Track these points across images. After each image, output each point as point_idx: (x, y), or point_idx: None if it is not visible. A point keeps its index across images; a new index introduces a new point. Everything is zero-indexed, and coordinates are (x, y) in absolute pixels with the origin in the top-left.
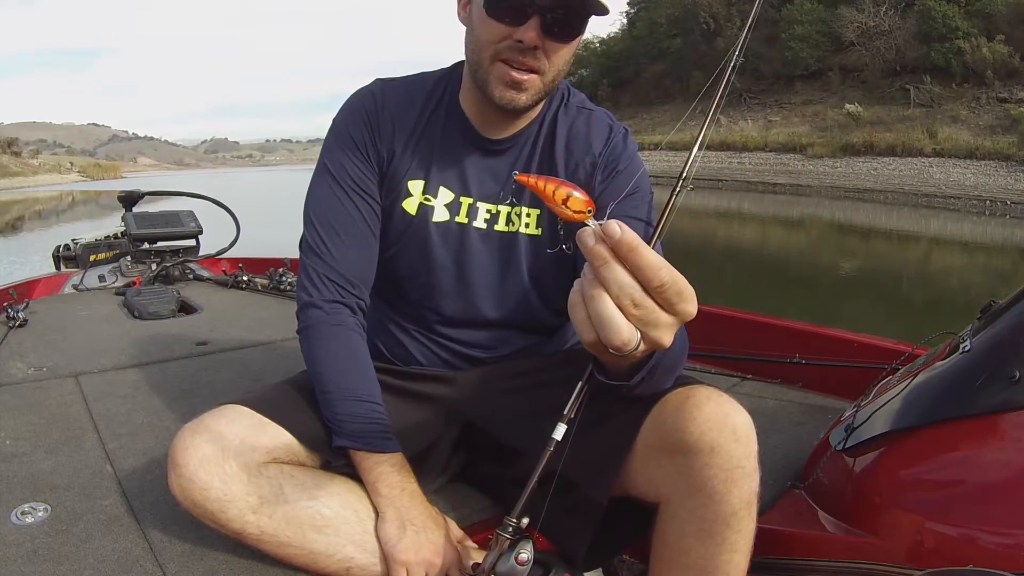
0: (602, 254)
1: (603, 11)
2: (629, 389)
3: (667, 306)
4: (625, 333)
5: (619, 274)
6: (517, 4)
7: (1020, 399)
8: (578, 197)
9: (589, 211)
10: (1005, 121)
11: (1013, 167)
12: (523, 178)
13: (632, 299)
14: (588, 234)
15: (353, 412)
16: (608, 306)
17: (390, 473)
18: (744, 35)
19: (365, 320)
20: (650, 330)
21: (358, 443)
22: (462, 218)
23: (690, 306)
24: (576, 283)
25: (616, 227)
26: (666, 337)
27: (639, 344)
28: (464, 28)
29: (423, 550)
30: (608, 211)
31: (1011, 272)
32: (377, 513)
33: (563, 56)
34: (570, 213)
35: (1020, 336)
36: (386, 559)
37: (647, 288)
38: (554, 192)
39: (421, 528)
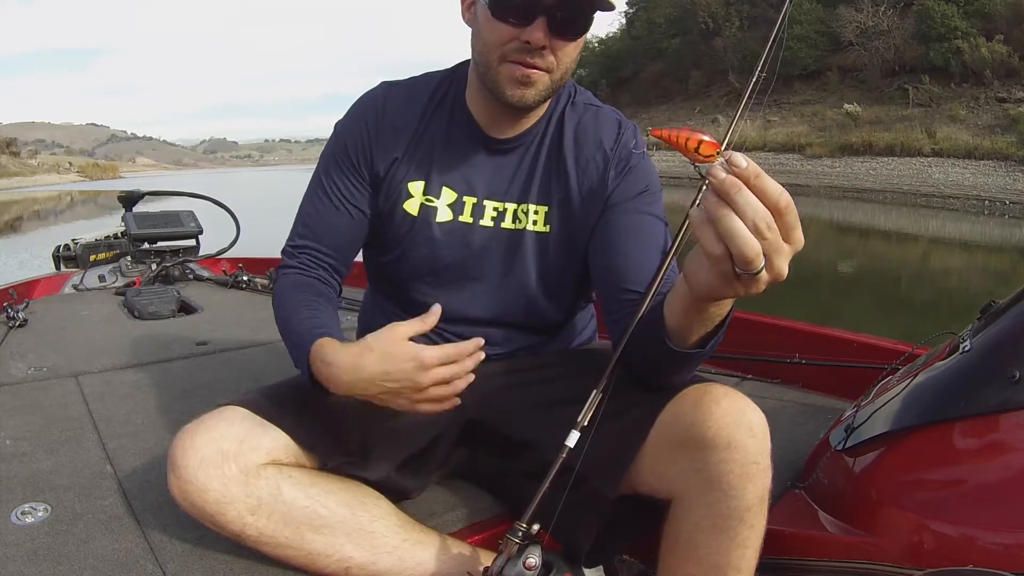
0: (736, 182)
1: (609, 7)
2: (691, 358)
3: (786, 232)
4: (757, 246)
5: (752, 199)
6: (523, 4)
7: (1020, 399)
8: (708, 141)
9: (718, 152)
10: (1004, 121)
11: (1012, 167)
12: (657, 132)
13: (766, 222)
14: (718, 168)
15: (294, 341)
16: (739, 222)
17: (326, 346)
18: (771, 43)
19: (337, 280)
20: (775, 257)
21: (305, 369)
22: (466, 217)
23: (801, 234)
24: (695, 210)
25: (742, 158)
26: (785, 266)
27: (763, 268)
28: (469, 29)
29: (380, 344)
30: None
31: (1011, 272)
32: (377, 513)
33: (570, 54)
34: (701, 158)
35: (1020, 336)
36: (362, 389)
37: (773, 211)
38: (686, 142)
39: (364, 344)
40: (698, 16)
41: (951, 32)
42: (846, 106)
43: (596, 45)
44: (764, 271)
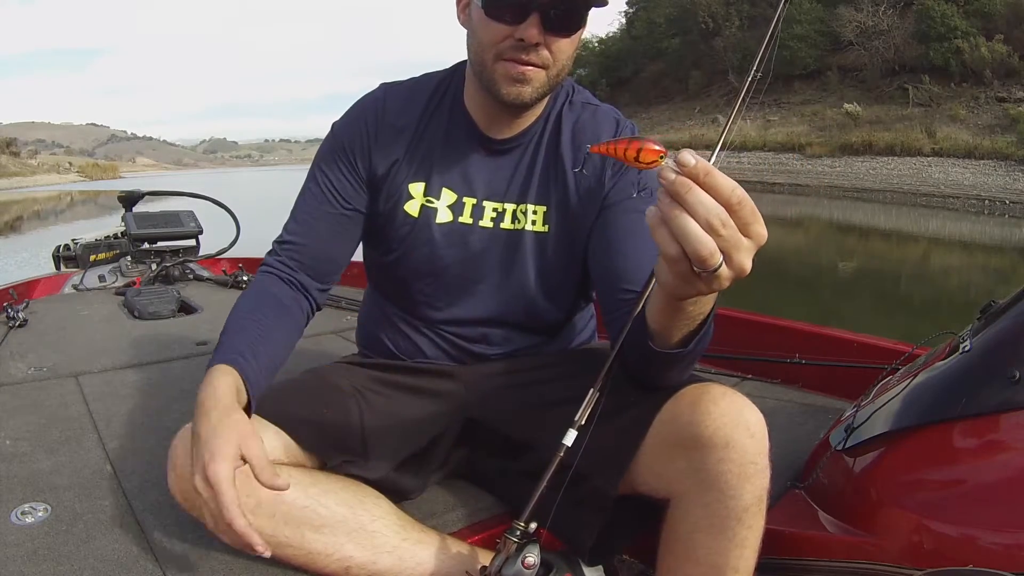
0: (685, 181)
1: (602, 3)
2: (676, 358)
3: (743, 227)
4: (711, 244)
5: (704, 197)
6: (516, 2)
7: (1020, 399)
8: (650, 148)
9: (662, 157)
10: (1004, 121)
11: (1011, 167)
12: (595, 148)
13: (720, 219)
14: (667, 169)
15: (212, 357)
16: (691, 222)
17: (217, 376)
18: (767, 43)
19: (318, 286)
20: (734, 253)
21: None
22: (466, 218)
23: (762, 228)
24: (651, 210)
25: (689, 156)
26: (747, 261)
27: (721, 264)
28: (465, 31)
29: (225, 413)
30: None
31: (1011, 272)
32: (377, 513)
33: (566, 50)
34: (644, 165)
35: (1020, 336)
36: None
37: (727, 207)
38: (625, 151)
39: (226, 400)
40: (698, 16)
41: (951, 32)
42: (846, 106)
43: (596, 45)
44: (724, 267)
